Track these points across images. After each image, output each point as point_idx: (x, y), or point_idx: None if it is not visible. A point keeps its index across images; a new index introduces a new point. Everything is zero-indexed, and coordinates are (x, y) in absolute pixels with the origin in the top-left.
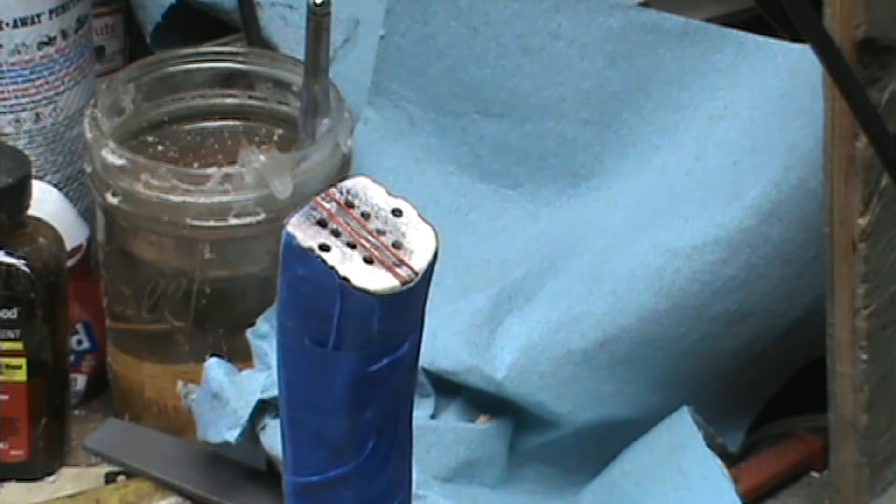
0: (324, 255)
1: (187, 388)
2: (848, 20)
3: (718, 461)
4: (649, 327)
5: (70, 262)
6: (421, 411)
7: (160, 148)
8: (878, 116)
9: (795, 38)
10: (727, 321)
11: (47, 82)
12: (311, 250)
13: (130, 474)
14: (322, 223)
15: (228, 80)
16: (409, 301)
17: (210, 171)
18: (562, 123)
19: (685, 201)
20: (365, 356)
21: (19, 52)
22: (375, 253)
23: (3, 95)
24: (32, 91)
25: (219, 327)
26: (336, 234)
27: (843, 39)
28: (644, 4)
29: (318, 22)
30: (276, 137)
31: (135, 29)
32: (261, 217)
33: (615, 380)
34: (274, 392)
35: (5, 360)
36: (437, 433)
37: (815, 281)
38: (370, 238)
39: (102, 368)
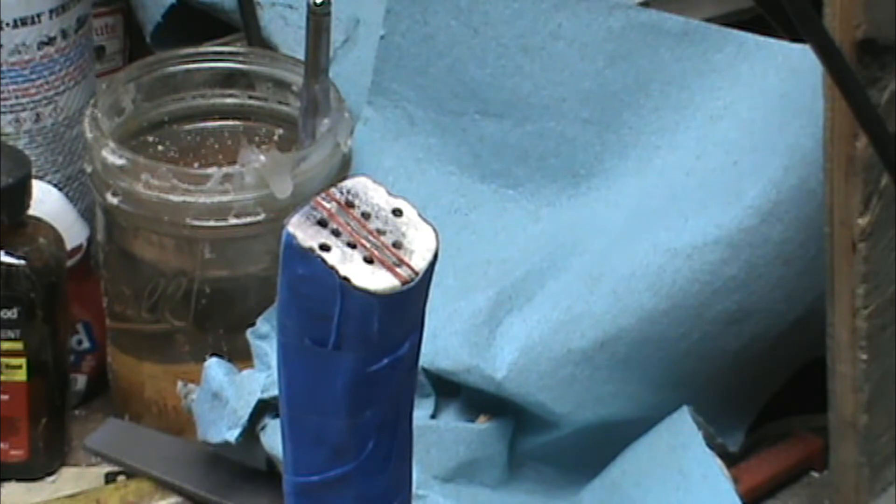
0: (324, 254)
1: (187, 388)
2: (848, 20)
3: (718, 461)
4: (649, 327)
5: (70, 262)
6: (421, 411)
7: (160, 148)
8: (878, 116)
9: (795, 38)
10: (727, 321)
11: (47, 82)
12: (311, 250)
13: (130, 474)
14: (322, 223)
15: (228, 80)
16: (410, 301)
17: (210, 171)
18: (562, 123)
19: (685, 201)
20: (365, 356)
21: (19, 52)
22: (376, 253)
23: (3, 95)
24: (32, 91)
25: (219, 327)
26: (336, 233)
27: (843, 39)
28: (644, 4)
29: (318, 22)
30: (276, 137)
31: (135, 29)
32: (261, 217)
33: (615, 380)
34: (274, 392)
35: (5, 360)
36: (437, 433)
37: (815, 281)
38: (370, 238)
39: (102, 368)
